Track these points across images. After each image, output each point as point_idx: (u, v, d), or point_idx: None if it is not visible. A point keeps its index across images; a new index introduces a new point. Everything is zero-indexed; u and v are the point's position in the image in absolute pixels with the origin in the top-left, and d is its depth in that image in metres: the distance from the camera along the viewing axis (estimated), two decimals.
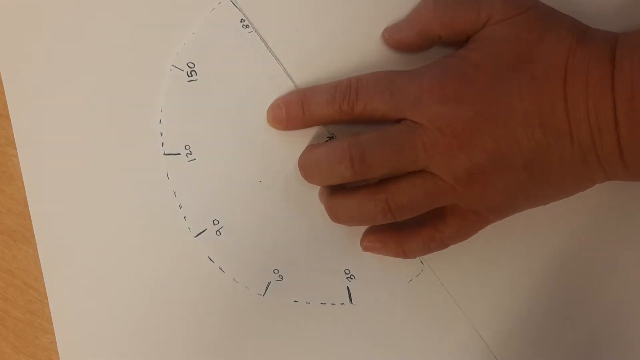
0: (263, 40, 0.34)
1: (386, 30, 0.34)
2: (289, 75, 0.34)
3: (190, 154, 0.34)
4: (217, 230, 0.34)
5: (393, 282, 0.35)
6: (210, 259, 0.34)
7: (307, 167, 0.33)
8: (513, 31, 0.30)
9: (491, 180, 0.30)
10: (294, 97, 0.33)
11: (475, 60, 0.30)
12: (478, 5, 0.31)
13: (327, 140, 0.34)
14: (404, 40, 0.33)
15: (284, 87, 0.34)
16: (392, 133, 0.31)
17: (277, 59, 0.34)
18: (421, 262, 0.35)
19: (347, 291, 0.35)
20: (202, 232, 0.34)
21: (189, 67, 0.34)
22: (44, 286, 0.34)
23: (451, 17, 0.31)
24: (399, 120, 0.31)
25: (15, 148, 0.34)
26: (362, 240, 0.34)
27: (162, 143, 0.34)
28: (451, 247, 0.33)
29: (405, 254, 0.33)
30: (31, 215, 0.34)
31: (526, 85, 0.30)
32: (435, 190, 0.31)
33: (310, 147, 0.33)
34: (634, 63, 0.29)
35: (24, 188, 0.34)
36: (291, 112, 0.33)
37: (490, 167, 0.30)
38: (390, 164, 0.31)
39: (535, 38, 0.30)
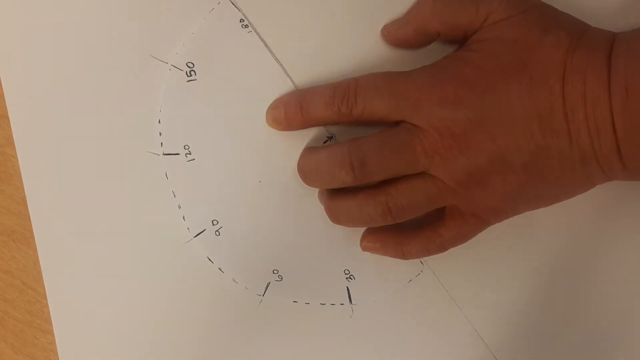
0: (262, 40, 0.34)
1: (385, 27, 0.34)
2: (288, 75, 0.34)
3: (190, 154, 0.34)
4: (217, 231, 0.34)
5: (393, 282, 0.35)
6: (210, 260, 0.34)
7: (307, 172, 0.33)
8: (512, 32, 0.30)
9: (491, 182, 0.30)
10: (292, 98, 0.33)
11: (474, 62, 0.30)
12: (476, 3, 0.31)
13: (326, 141, 0.34)
14: (402, 36, 0.33)
15: (283, 87, 0.34)
16: (392, 137, 0.31)
17: (276, 59, 0.34)
18: (421, 263, 0.35)
19: (346, 291, 0.35)
20: (201, 233, 0.34)
21: (188, 67, 0.34)
22: (43, 287, 0.34)
23: (449, 14, 0.31)
24: (397, 122, 0.31)
25: (14, 148, 0.34)
26: (361, 241, 0.34)
27: (161, 143, 0.34)
28: None
29: (404, 255, 0.33)
30: (30, 216, 0.34)
31: (525, 87, 0.30)
32: (435, 192, 0.31)
33: (309, 151, 0.33)
34: (628, 64, 0.29)
35: (23, 188, 0.34)
36: (290, 113, 0.33)
37: (490, 169, 0.30)
38: (390, 168, 0.31)
39: (534, 39, 0.30)
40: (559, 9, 0.31)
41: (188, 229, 0.34)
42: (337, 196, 0.33)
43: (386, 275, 0.35)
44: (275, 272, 0.35)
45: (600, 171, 0.30)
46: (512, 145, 0.30)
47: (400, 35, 0.33)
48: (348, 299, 0.35)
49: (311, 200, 0.34)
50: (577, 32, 0.30)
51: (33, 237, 0.35)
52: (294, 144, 0.34)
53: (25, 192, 0.34)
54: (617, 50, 0.29)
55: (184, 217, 0.34)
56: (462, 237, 0.32)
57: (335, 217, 0.33)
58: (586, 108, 0.29)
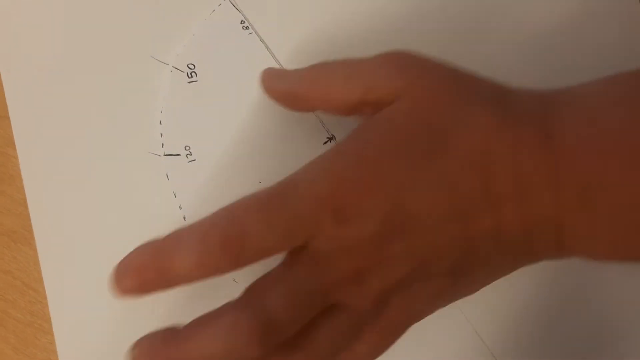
0: (263, 42, 0.34)
1: (268, 70, 0.30)
2: None
3: (190, 154, 0.34)
4: None
5: None
6: None
7: None
8: (417, 111, 0.25)
9: (410, 294, 0.26)
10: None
11: (375, 153, 0.25)
12: (356, 77, 0.26)
13: (326, 142, 0.34)
14: (272, 89, 0.29)
15: None
16: (293, 288, 0.25)
17: (277, 61, 0.34)
18: None
19: None
20: None
21: (189, 68, 0.34)
22: (44, 287, 0.34)
23: (325, 85, 0.26)
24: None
25: (15, 149, 0.34)
26: None
27: (162, 144, 0.34)
28: None
29: None
30: (31, 217, 0.34)
31: (437, 181, 0.24)
32: (352, 324, 0.26)
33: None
34: (582, 137, 0.23)
35: (24, 189, 0.34)
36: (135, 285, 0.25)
37: (409, 281, 0.25)
38: (299, 322, 0.25)
39: (446, 117, 0.24)
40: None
41: None
42: None
43: None
44: None
45: (533, 260, 0.27)
46: (430, 251, 0.25)
47: (269, 86, 0.29)
48: None
49: None
50: (499, 102, 0.25)
51: (34, 238, 0.34)
52: (294, 145, 0.34)
53: (26, 192, 0.34)
54: (560, 120, 0.23)
55: (184, 218, 0.34)
56: (382, 350, 0.28)
57: None
58: (520, 200, 0.24)
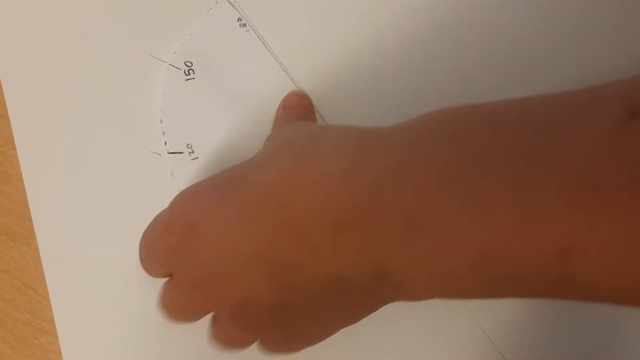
0: (260, 39, 0.34)
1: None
2: (287, 73, 0.34)
3: (193, 152, 0.34)
4: None
5: None
6: None
7: None
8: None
9: (252, 323, 0.27)
10: None
11: (204, 197, 0.28)
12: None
13: None
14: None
15: (283, 85, 0.34)
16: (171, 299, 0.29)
17: (275, 57, 0.34)
18: None
19: None
20: None
21: (187, 66, 0.34)
22: (43, 287, 0.34)
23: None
24: None
25: (14, 148, 0.34)
26: None
27: (165, 142, 0.34)
28: None
29: None
30: (32, 216, 0.34)
31: (236, 220, 0.25)
32: (220, 329, 0.29)
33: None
34: (395, 170, 0.22)
35: (23, 188, 0.34)
36: None
37: (243, 312, 0.26)
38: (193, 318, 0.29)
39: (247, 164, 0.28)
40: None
41: None
42: None
43: None
44: None
45: (380, 302, 0.27)
46: (251, 293, 0.25)
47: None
48: None
49: None
50: (309, 150, 0.25)
51: (33, 237, 0.34)
52: None
53: (26, 192, 0.34)
54: (375, 161, 0.23)
55: None
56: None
57: None
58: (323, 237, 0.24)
